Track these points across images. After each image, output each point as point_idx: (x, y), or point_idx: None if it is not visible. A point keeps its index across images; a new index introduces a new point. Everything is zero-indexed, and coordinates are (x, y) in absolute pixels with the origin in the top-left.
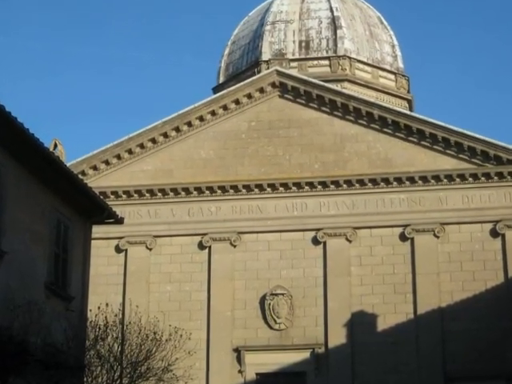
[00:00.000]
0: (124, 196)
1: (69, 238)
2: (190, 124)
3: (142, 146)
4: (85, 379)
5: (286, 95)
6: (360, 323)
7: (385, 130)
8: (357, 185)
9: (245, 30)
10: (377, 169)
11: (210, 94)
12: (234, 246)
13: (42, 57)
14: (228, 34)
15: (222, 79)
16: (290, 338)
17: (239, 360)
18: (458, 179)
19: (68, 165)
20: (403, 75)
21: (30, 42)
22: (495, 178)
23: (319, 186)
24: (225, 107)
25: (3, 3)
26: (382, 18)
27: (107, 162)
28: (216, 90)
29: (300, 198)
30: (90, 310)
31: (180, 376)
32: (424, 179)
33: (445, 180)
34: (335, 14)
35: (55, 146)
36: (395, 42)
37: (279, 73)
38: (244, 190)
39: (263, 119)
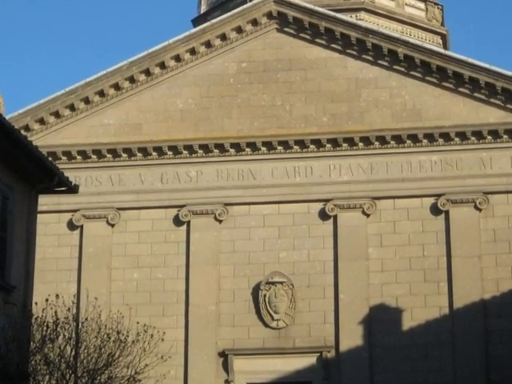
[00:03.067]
0: (79, 157)
1: (8, 211)
2: (163, 65)
3: (101, 93)
4: None
5: (286, 29)
6: (380, 320)
7: (412, 73)
8: (376, 143)
9: None
10: (402, 123)
11: (188, 28)
12: (220, 222)
13: None
14: None
15: (203, 8)
16: (290, 338)
17: (226, 367)
18: (505, 136)
19: (7, 118)
20: (435, 3)
21: None
22: None
23: (328, 145)
24: (208, 44)
25: None
26: None
27: (57, 114)
28: (196, 22)
29: (304, 159)
30: (36, 304)
31: None
32: (462, 136)
33: (489, 137)
34: None
35: None
36: None
37: (277, 0)
38: (232, 150)
39: (257, 59)
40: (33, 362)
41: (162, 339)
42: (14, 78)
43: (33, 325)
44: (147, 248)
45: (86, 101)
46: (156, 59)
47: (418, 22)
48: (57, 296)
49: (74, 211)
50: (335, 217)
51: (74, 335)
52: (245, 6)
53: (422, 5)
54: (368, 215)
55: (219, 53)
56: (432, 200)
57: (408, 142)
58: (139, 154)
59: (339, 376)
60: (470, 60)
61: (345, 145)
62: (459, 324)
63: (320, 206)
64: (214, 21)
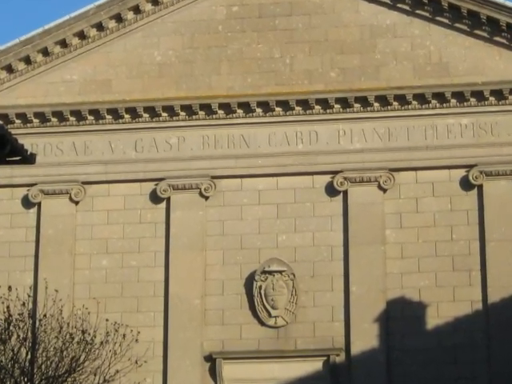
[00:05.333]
0: (36, 121)
1: None
2: (137, 9)
3: (63, 43)
4: None
5: None
6: (399, 317)
7: (438, 18)
8: (395, 103)
9: None
10: (426, 79)
11: None
12: (206, 198)
13: None
14: None
15: None
16: (291, 339)
17: (214, 373)
18: None
19: None
20: None
21: None
22: None
23: (337, 106)
24: None
25: None
26: None
27: (10, 69)
28: None
29: (308, 123)
30: None
31: None
32: (498, 95)
33: None
34: None
35: None
36: None
37: None
38: (221, 112)
39: (250, 2)
40: None
41: (137, 340)
42: None
43: None
44: (118, 230)
45: (45, 52)
46: (129, 2)
47: None
48: (9, 288)
49: (31, 185)
50: (345, 192)
51: (29, 335)
52: None
53: None
54: (385, 190)
55: None
56: (462, 172)
57: (433, 102)
58: (109, 117)
59: (350, 383)
60: (508, 3)
61: (357, 105)
62: (495, 321)
63: (327, 179)
64: None
